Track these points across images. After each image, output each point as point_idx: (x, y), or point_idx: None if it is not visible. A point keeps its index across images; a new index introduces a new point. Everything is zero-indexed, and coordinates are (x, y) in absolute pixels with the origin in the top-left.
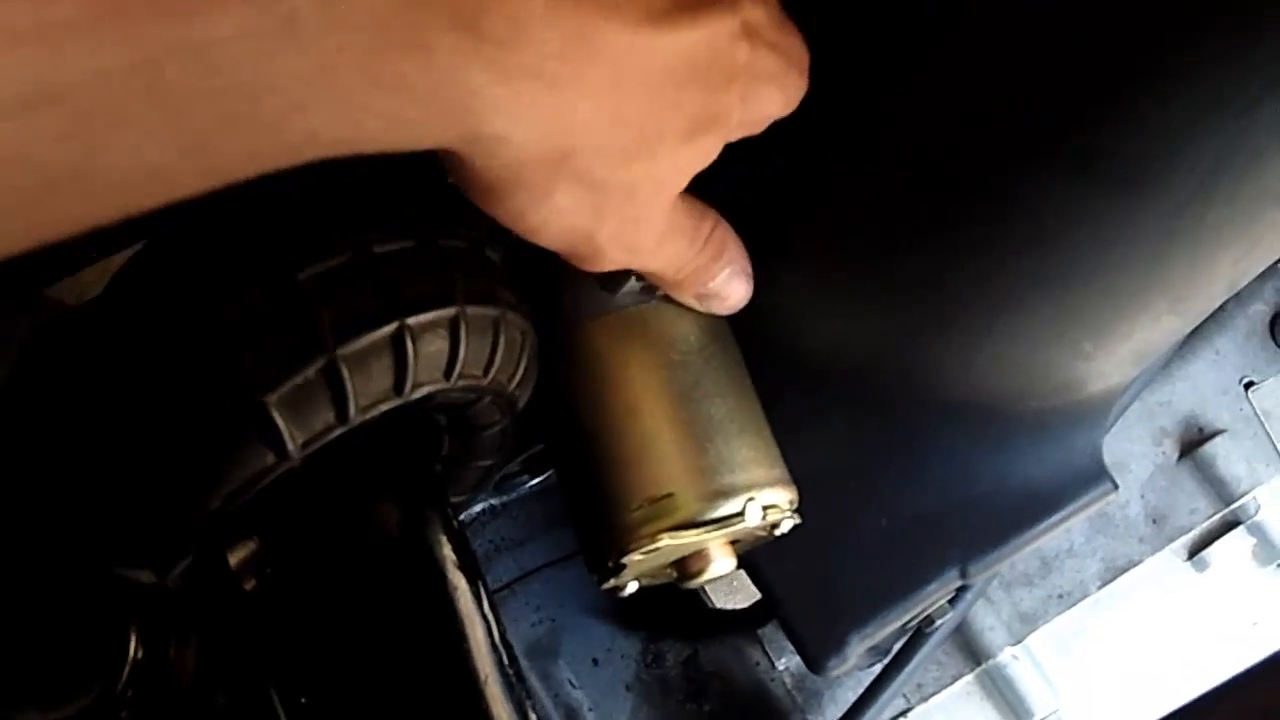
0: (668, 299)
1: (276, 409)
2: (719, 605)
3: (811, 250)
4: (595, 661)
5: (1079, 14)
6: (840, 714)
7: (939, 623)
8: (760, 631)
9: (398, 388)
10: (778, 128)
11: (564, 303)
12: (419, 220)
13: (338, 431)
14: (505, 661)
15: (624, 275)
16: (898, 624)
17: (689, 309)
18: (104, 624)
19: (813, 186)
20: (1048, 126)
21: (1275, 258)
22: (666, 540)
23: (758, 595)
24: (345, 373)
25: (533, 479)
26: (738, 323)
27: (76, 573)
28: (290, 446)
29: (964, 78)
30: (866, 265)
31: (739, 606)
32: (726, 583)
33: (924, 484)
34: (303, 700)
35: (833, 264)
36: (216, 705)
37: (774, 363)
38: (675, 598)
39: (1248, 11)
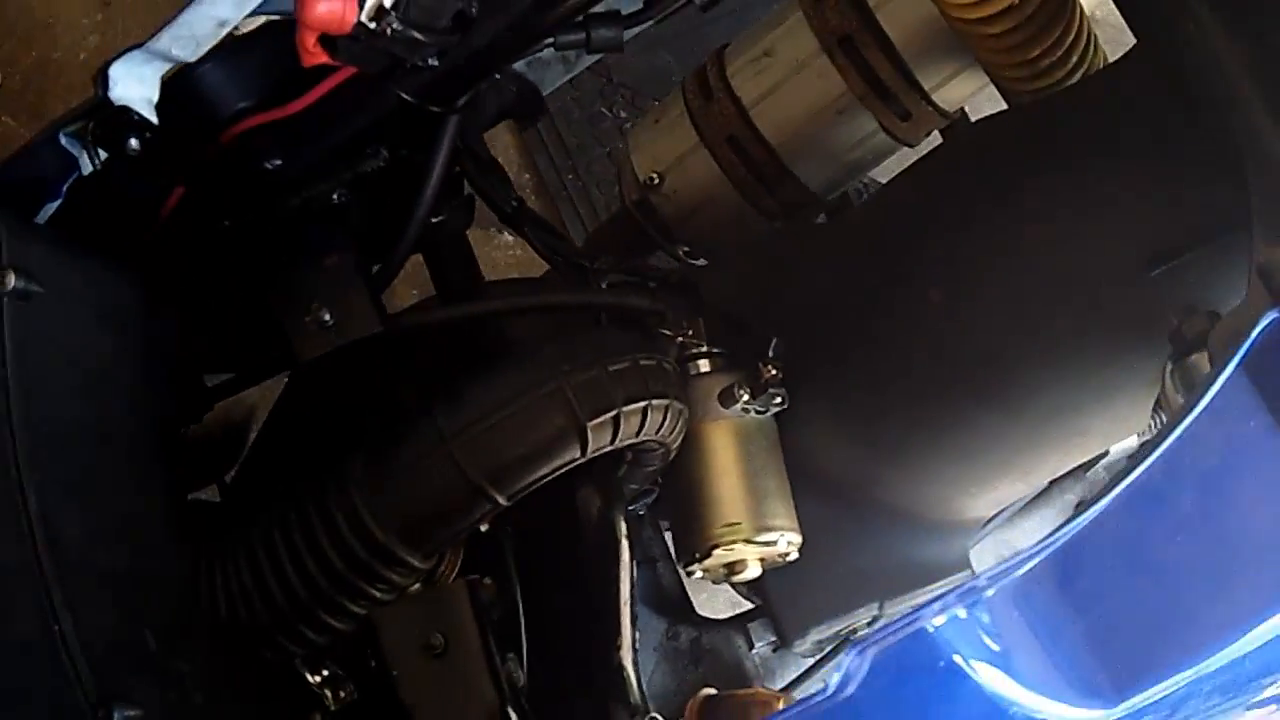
0: (752, 415)
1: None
2: (716, 608)
3: (827, 393)
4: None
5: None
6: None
7: (859, 634)
8: (748, 626)
9: (611, 441)
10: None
11: (694, 410)
12: (632, 348)
13: (583, 459)
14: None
15: (733, 399)
16: (834, 631)
17: (763, 423)
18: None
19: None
20: (978, 368)
21: (1087, 458)
22: (728, 549)
23: (742, 606)
24: (590, 434)
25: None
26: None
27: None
28: (580, 457)
29: (928, 328)
30: (861, 411)
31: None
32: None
33: (863, 550)
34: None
35: (839, 406)
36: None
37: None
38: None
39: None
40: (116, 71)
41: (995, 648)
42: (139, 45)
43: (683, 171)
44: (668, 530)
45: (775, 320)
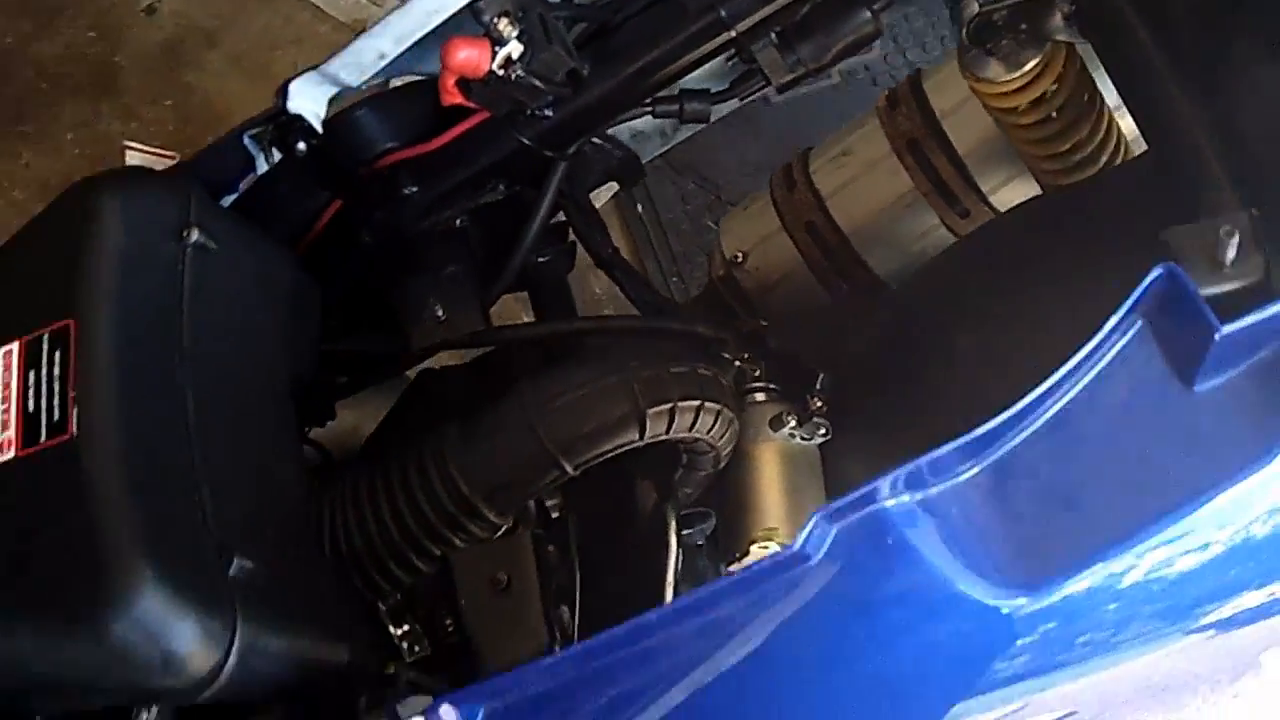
0: (798, 441)
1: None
2: None
3: (869, 429)
4: None
5: None
6: None
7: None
8: None
9: (667, 431)
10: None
11: (747, 432)
12: (693, 359)
13: (640, 443)
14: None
15: (782, 424)
16: None
17: (808, 450)
18: None
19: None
20: None
21: None
22: (763, 547)
23: None
24: (649, 421)
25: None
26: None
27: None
28: (638, 439)
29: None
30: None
31: None
32: None
33: None
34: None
35: (879, 441)
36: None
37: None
38: None
39: None
40: (294, 87)
41: (939, 533)
42: (314, 67)
43: (765, 252)
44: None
45: (827, 367)
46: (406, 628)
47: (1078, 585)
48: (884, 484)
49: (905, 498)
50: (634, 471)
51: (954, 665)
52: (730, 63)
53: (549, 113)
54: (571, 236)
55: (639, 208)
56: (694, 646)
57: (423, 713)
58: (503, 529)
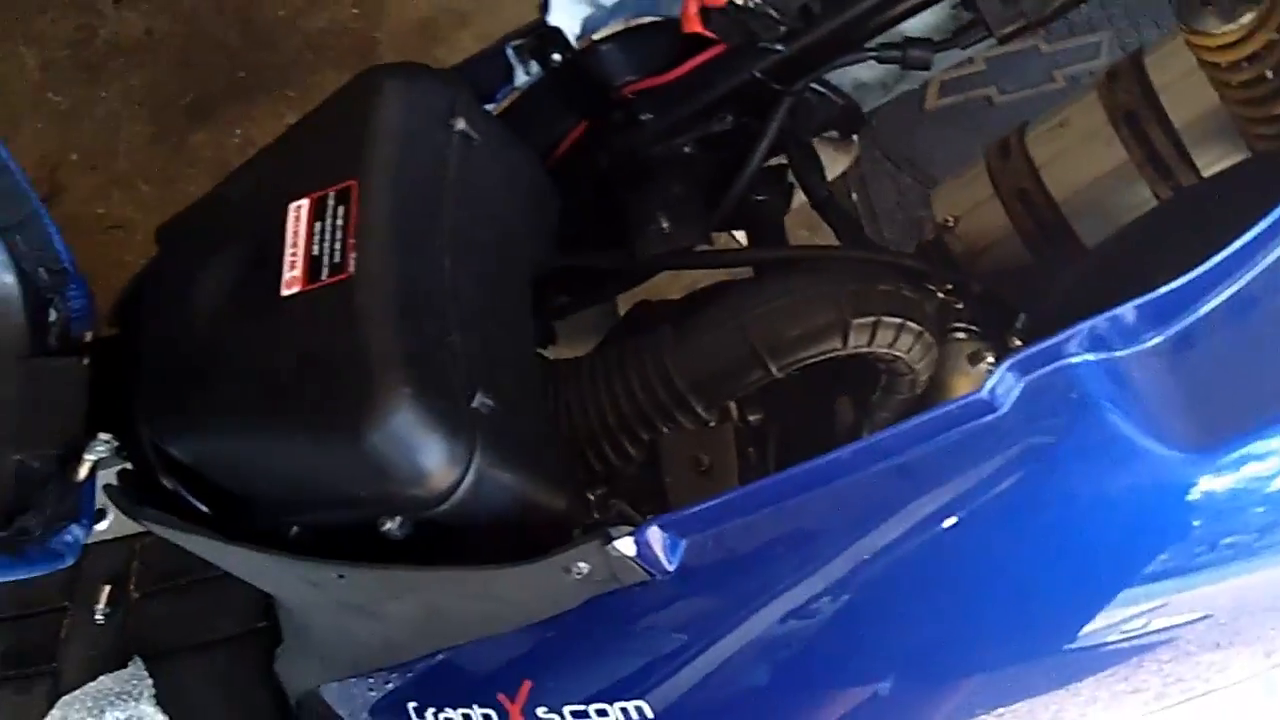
0: None
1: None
2: None
3: None
4: None
5: None
6: None
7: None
8: None
9: (868, 344)
10: None
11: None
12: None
13: (842, 353)
14: None
15: (980, 358)
16: None
17: None
18: None
19: None
20: None
21: None
22: None
23: None
24: (852, 332)
25: None
26: None
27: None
28: (841, 348)
29: None
30: None
31: None
32: None
33: None
34: None
35: None
36: None
37: None
38: None
39: None
40: (555, 2)
41: (1123, 392)
42: None
43: (975, 217)
44: None
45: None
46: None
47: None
48: (1071, 340)
49: (1090, 356)
50: (834, 388)
51: (1126, 536)
52: (956, 8)
53: (780, 47)
54: (789, 179)
55: (853, 195)
56: (881, 490)
57: (631, 533)
58: (708, 424)
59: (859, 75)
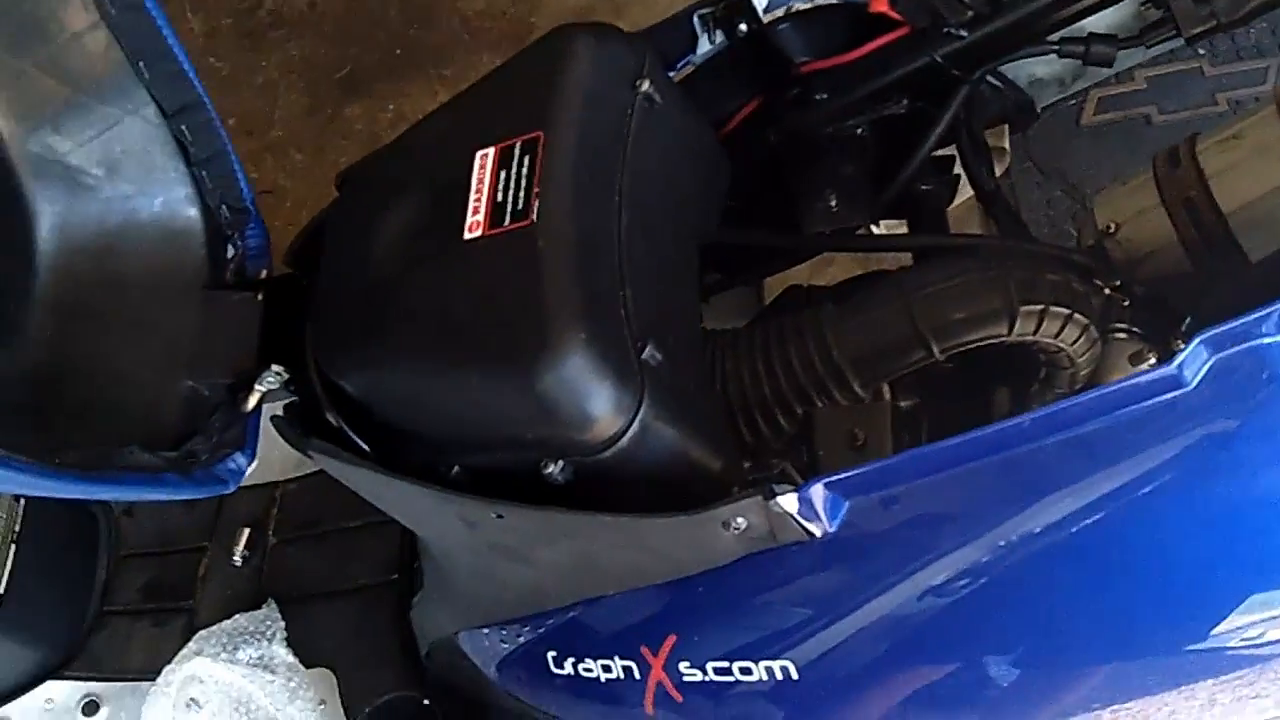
0: None
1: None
2: None
3: None
4: None
5: None
6: None
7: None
8: None
9: (1034, 332)
10: None
11: (1109, 363)
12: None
13: (1007, 340)
14: None
15: (1142, 359)
16: None
17: None
18: None
19: None
20: None
21: None
22: None
23: None
24: (1019, 318)
25: None
26: None
27: None
28: (1006, 335)
29: None
30: None
31: None
32: None
33: None
34: None
35: None
36: None
37: None
38: None
39: None
40: None
41: None
42: None
43: (1138, 224)
44: None
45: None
46: None
47: None
48: (1266, 320)
49: None
50: (991, 378)
51: None
52: (1144, 6)
53: (963, 33)
54: (955, 170)
55: None
56: (1055, 462)
57: (795, 489)
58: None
59: (1035, 71)
